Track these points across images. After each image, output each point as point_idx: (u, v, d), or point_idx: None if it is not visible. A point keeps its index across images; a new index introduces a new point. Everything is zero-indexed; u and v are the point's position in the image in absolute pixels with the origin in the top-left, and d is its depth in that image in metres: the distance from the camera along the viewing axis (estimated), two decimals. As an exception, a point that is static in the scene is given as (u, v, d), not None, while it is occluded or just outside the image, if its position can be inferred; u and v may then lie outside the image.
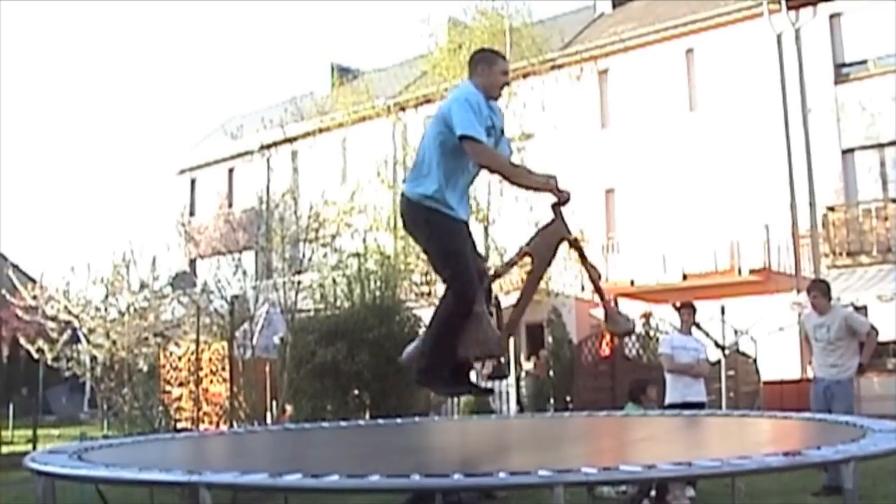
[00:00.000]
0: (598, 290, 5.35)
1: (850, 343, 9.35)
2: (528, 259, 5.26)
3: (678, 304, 10.59)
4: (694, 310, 10.34)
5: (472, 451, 5.79)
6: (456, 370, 5.29)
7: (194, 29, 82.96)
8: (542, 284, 24.95)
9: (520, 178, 5.27)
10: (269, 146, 32.02)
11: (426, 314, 16.47)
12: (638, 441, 5.81)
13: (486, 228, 22.30)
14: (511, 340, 20.98)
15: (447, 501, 8.50)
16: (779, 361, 19.96)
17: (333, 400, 13.67)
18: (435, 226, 5.12)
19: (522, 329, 24.38)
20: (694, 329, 10.41)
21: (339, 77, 33.67)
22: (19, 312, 22.21)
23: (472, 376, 5.55)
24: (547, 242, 5.20)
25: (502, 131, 5.34)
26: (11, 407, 23.64)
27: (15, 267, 27.45)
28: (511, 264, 5.39)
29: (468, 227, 5.32)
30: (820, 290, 9.71)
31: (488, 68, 5.31)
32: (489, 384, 5.31)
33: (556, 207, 5.22)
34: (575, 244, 5.20)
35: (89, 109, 78.79)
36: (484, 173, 5.27)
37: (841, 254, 22.14)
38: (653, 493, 9.02)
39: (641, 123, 25.31)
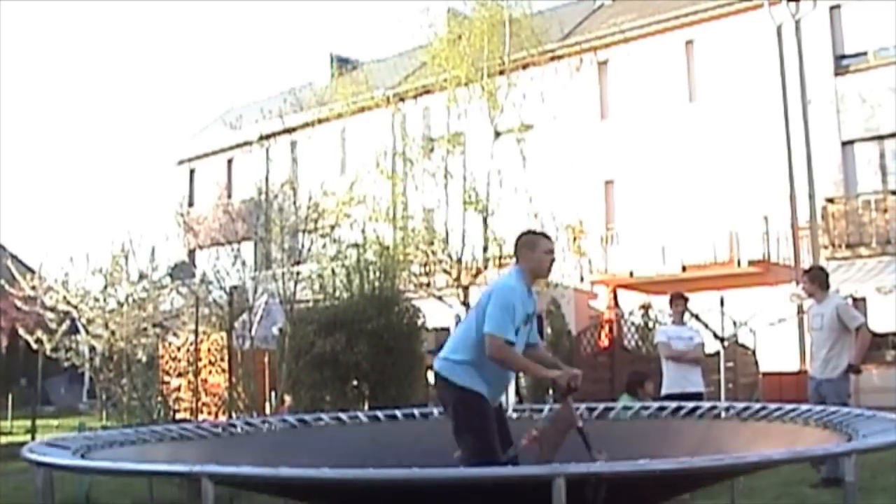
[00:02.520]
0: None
1: (843, 336, 9.23)
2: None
3: (670, 295, 10.59)
4: (685, 300, 10.33)
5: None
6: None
7: (194, 20, 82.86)
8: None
9: (535, 373, 5.70)
10: (268, 137, 31.94)
11: (425, 305, 16.49)
12: (637, 435, 5.82)
13: (485, 219, 22.28)
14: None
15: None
16: (778, 353, 19.97)
17: (332, 391, 13.65)
18: (468, 405, 5.35)
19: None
20: (691, 320, 10.42)
21: (338, 68, 33.58)
22: (18, 303, 22.21)
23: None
24: (557, 430, 5.44)
25: (535, 314, 5.67)
26: (10, 397, 23.67)
27: (14, 257, 27.43)
28: (517, 455, 5.50)
29: (498, 408, 5.62)
30: (809, 278, 9.66)
31: (531, 252, 5.58)
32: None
33: (564, 396, 5.48)
34: (581, 433, 5.36)
35: (89, 100, 78.75)
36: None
37: (840, 245, 22.14)
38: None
39: (641, 115, 25.29)
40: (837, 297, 10.07)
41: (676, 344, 9.92)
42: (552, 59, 25.91)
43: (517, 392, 19.43)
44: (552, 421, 5.53)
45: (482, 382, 5.36)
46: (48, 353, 21.84)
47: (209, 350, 16.41)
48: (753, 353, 18.89)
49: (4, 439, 17.40)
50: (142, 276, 21.08)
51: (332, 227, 19.19)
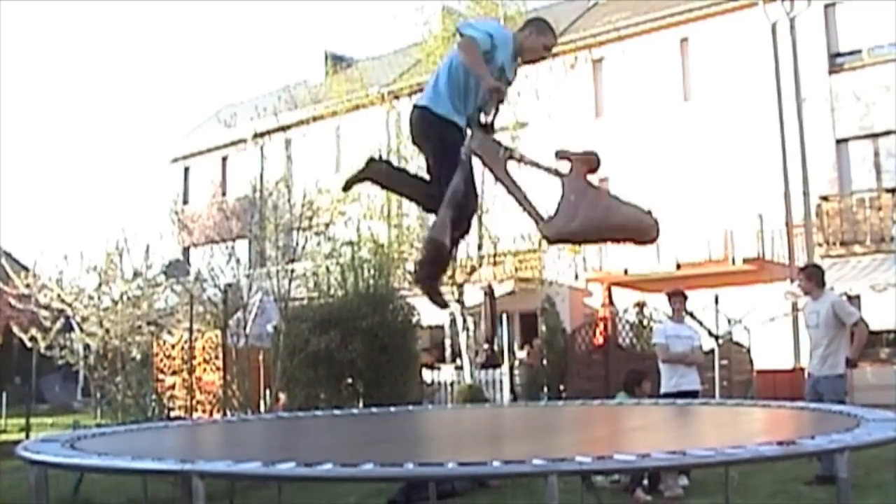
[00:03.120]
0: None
1: (840, 333, 9.23)
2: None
3: (668, 293, 10.58)
4: (685, 297, 10.33)
5: (465, 439, 5.78)
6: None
7: (188, 17, 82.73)
8: (536, 273, 24.96)
9: (487, 80, 5.17)
10: (262, 134, 31.96)
11: (420, 303, 16.48)
12: (631, 430, 5.81)
13: (479, 217, 22.26)
14: (504, 330, 20.92)
15: (440, 490, 8.52)
16: (772, 351, 19.99)
17: (327, 388, 13.65)
18: (445, 134, 5.25)
19: (516, 318, 24.41)
20: (687, 317, 10.41)
21: (332, 65, 33.59)
22: (12, 301, 22.19)
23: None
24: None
25: (509, 83, 5.42)
26: (4, 395, 23.65)
27: (8, 255, 27.40)
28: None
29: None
30: (806, 275, 9.67)
31: (536, 34, 5.41)
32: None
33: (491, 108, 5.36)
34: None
35: (83, 98, 78.61)
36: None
37: (835, 243, 22.15)
38: (646, 481, 9.05)
39: (636, 113, 25.29)
40: (833, 294, 10.07)
41: (675, 343, 9.90)
42: (547, 56, 25.90)
43: (511, 390, 19.46)
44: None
45: (459, 115, 5.29)
46: (42, 351, 21.84)
47: (204, 348, 16.39)
48: (748, 350, 18.90)
49: (-1, 437, 17.37)
50: (136, 274, 21.07)
51: (327, 225, 19.20)
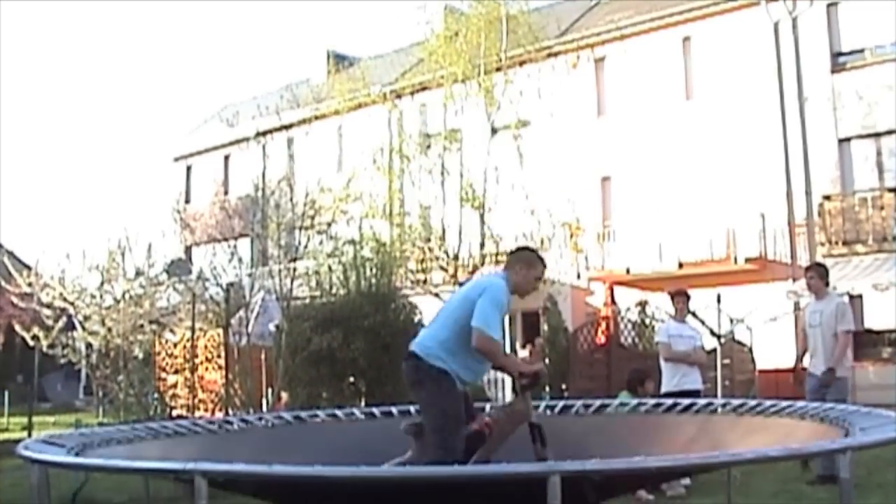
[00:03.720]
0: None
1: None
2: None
3: (671, 292, 10.57)
4: (687, 297, 10.31)
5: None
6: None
7: (191, 16, 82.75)
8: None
9: (511, 366, 5.75)
10: (264, 133, 31.97)
11: (421, 301, 16.47)
12: (636, 431, 5.82)
13: (482, 216, 22.26)
14: (506, 328, 20.93)
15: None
16: (774, 350, 19.95)
17: (329, 387, 13.67)
18: (442, 388, 5.42)
19: (518, 317, 24.40)
20: (689, 317, 10.40)
21: (335, 64, 33.58)
22: (15, 300, 22.21)
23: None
24: (510, 420, 5.53)
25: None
26: (7, 394, 23.68)
27: (10, 254, 27.40)
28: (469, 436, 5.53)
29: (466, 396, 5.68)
30: (817, 273, 9.65)
31: (526, 270, 5.66)
32: None
33: (524, 389, 5.55)
34: (535, 428, 5.40)
35: (86, 96, 78.63)
36: None
37: (837, 243, 22.12)
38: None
39: (638, 112, 25.27)
40: (838, 297, 10.05)
41: (677, 343, 9.89)
42: (549, 55, 25.88)
43: (513, 389, 19.45)
44: (507, 412, 5.56)
45: (457, 369, 5.43)
46: (45, 349, 21.87)
47: (206, 347, 16.43)
48: (750, 350, 18.90)
49: (1, 436, 17.37)
50: (138, 273, 21.08)
51: (329, 224, 19.20)
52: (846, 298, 10.67)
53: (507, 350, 19.94)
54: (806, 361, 9.62)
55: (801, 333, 9.75)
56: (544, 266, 5.78)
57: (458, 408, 5.43)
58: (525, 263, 5.66)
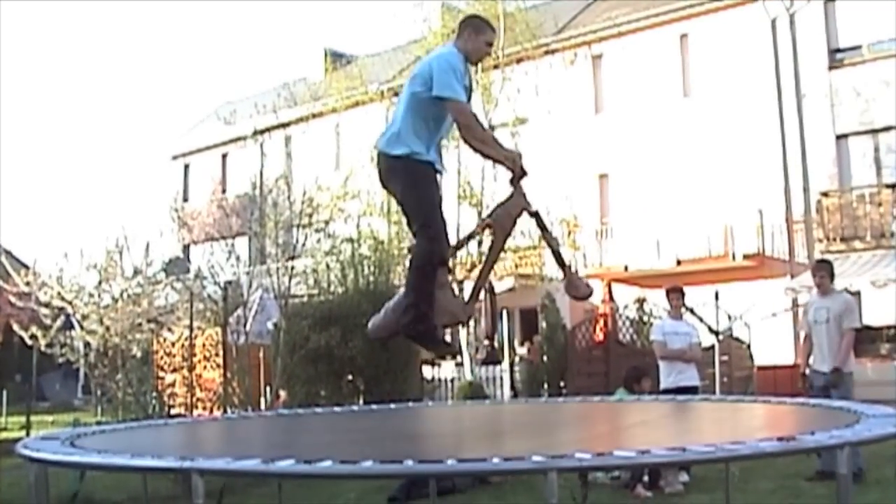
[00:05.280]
0: (557, 257, 5.49)
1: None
2: (489, 230, 5.45)
3: (667, 289, 10.57)
4: (683, 294, 10.31)
5: (465, 436, 5.78)
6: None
7: (188, 14, 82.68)
8: (536, 269, 24.94)
9: (488, 146, 5.31)
10: (262, 132, 31.91)
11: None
12: (631, 426, 5.80)
13: (479, 213, 22.24)
14: (504, 326, 20.93)
15: (441, 486, 8.52)
16: (772, 347, 20.00)
17: (327, 385, 13.65)
18: (414, 174, 5.20)
19: (516, 314, 24.40)
20: (686, 313, 10.40)
21: (332, 62, 33.55)
22: (12, 299, 22.21)
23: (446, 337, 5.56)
24: (508, 214, 5.35)
25: (471, 94, 5.39)
26: (5, 393, 23.65)
27: (8, 253, 27.36)
28: (471, 236, 5.63)
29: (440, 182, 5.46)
30: (826, 271, 9.63)
31: (475, 35, 5.37)
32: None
33: (514, 182, 5.37)
34: (535, 215, 5.34)
35: (83, 95, 78.57)
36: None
37: (835, 239, 22.15)
38: (646, 478, 9.05)
39: (635, 109, 25.28)
40: (844, 294, 10.01)
41: (672, 340, 9.89)
42: (546, 53, 25.87)
43: (512, 386, 19.46)
44: (504, 206, 5.40)
45: (425, 149, 5.23)
46: (43, 348, 21.85)
47: (204, 345, 16.39)
48: (748, 346, 18.90)
49: (-1, 435, 17.37)
50: (136, 272, 21.09)
51: (327, 222, 19.18)
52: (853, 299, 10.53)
53: (506, 347, 19.98)
54: (810, 359, 9.54)
55: (805, 332, 9.69)
56: (493, 30, 5.50)
57: (436, 194, 5.29)
58: (473, 28, 5.39)
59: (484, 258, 5.50)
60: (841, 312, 9.22)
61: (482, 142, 5.27)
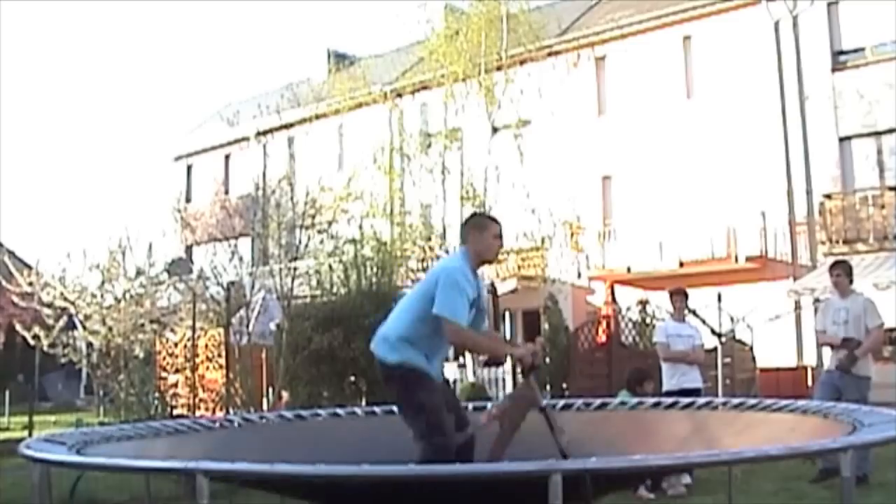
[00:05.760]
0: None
1: (868, 334, 9.21)
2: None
3: (670, 291, 10.56)
4: (686, 296, 10.29)
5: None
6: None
7: (191, 15, 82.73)
8: (539, 271, 24.91)
9: (495, 351, 5.49)
10: (265, 132, 31.99)
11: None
12: (635, 429, 5.81)
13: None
14: (507, 328, 20.86)
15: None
16: (775, 349, 19.96)
17: (329, 386, 13.67)
18: (409, 383, 5.26)
19: (519, 316, 24.40)
20: (689, 315, 10.38)
21: (335, 63, 33.60)
22: (15, 299, 22.20)
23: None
24: (520, 409, 5.34)
25: (480, 300, 5.44)
26: (8, 393, 23.65)
27: (11, 253, 27.37)
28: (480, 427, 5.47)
29: (444, 384, 5.54)
30: (843, 270, 9.55)
31: (480, 234, 5.44)
32: None
33: (526, 374, 5.35)
34: (543, 412, 5.25)
35: (86, 95, 78.62)
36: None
37: (837, 241, 22.11)
38: (649, 480, 9.04)
39: (638, 110, 25.26)
40: (863, 295, 9.91)
41: (675, 342, 9.88)
42: (549, 54, 25.89)
43: (514, 388, 19.44)
44: (513, 399, 5.45)
45: (422, 358, 5.25)
46: (45, 348, 21.84)
47: (206, 346, 16.42)
48: (751, 348, 18.88)
49: (2, 435, 17.36)
50: (139, 272, 21.08)
51: (330, 223, 19.19)
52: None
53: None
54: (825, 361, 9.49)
55: (821, 334, 9.62)
56: (495, 222, 5.53)
57: (436, 399, 5.22)
58: (476, 228, 5.46)
59: (492, 447, 5.35)
60: (860, 314, 9.16)
61: (488, 351, 5.49)
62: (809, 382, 18.52)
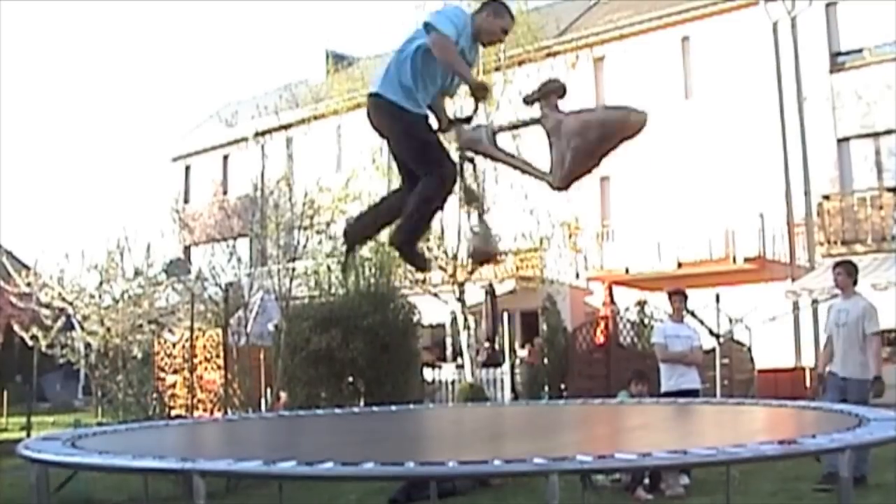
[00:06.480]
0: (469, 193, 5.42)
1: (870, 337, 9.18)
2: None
3: (668, 292, 10.56)
4: (685, 297, 10.29)
5: (466, 438, 5.78)
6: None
7: (189, 15, 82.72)
8: (537, 272, 24.89)
9: (466, 72, 5.20)
10: (263, 133, 31.93)
11: (421, 302, 16.45)
12: (633, 429, 5.80)
13: (480, 216, 22.24)
14: (505, 328, 20.88)
15: (441, 488, 8.51)
16: (773, 350, 19.97)
17: (328, 387, 13.65)
18: (404, 122, 5.21)
19: (517, 316, 24.39)
20: (687, 316, 10.38)
21: (333, 64, 33.51)
22: (13, 299, 22.21)
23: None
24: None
25: (470, 64, 5.33)
26: (6, 394, 23.64)
27: (9, 254, 27.37)
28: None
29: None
30: (845, 269, 9.49)
31: (493, 17, 5.31)
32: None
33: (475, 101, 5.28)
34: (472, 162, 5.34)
35: (84, 96, 78.58)
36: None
37: (836, 242, 22.13)
38: (647, 480, 9.05)
39: (637, 111, 25.24)
40: (866, 299, 9.87)
41: (674, 343, 9.87)
42: (548, 55, 25.83)
43: (512, 388, 19.45)
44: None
45: (420, 103, 5.23)
46: (43, 349, 21.86)
47: (205, 347, 16.39)
48: (749, 349, 18.88)
49: (0, 436, 17.36)
50: (137, 273, 21.09)
51: (328, 224, 19.18)
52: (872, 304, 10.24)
53: (506, 350, 19.97)
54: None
55: (827, 335, 9.58)
56: (512, 18, 5.45)
57: (432, 135, 5.26)
58: (493, 11, 5.31)
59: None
60: (859, 317, 9.12)
61: (459, 69, 5.15)
62: (807, 383, 18.53)
